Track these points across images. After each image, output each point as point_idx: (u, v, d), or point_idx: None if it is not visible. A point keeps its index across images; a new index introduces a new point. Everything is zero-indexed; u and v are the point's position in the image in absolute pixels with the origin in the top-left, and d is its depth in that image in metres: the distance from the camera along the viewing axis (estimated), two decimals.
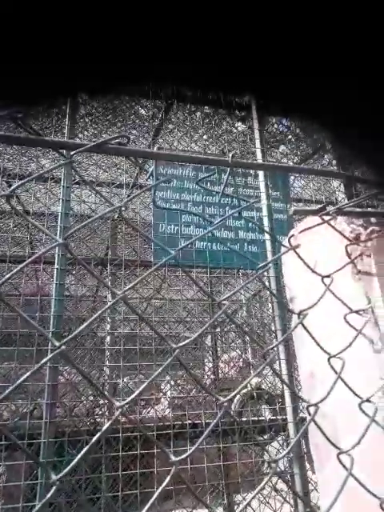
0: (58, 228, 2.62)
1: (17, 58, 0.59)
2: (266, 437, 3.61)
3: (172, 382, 5.15)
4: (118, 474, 2.59)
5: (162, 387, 6.11)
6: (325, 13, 0.59)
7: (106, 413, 4.12)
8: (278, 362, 3.04)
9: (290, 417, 2.72)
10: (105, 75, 0.67)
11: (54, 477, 0.72)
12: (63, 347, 0.78)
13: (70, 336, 0.72)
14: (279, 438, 3.85)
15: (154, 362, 3.08)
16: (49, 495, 0.69)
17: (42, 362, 0.73)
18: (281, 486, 3.69)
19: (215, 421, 0.87)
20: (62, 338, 3.81)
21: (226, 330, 5.92)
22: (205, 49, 0.63)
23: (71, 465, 0.70)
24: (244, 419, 3.62)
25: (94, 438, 0.71)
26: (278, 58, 0.65)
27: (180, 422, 3.18)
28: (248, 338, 5.81)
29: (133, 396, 0.82)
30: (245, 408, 4.41)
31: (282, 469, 3.33)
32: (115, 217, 4.12)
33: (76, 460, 0.69)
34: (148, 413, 4.53)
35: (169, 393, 5.39)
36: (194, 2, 0.58)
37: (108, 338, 4.50)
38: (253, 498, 0.78)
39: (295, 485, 2.72)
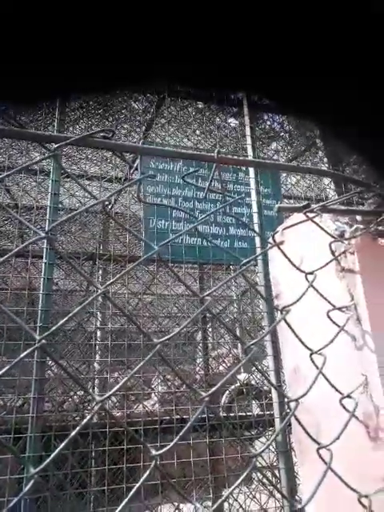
0: (47, 221, 2.60)
1: (15, 58, 0.59)
2: (253, 432, 3.64)
3: (162, 377, 5.15)
4: (105, 468, 2.59)
5: (152, 382, 6.12)
6: (323, 13, 0.59)
7: (95, 407, 4.11)
8: (267, 357, 3.06)
9: (276, 412, 2.75)
10: (104, 75, 0.67)
11: (32, 470, 0.73)
12: (43, 341, 0.78)
13: (49, 331, 0.72)
14: (267, 434, 3.88)
15: (142, 357, 3.08)
16: (26, 489, 0.69)
17: (21, 356, 0.73)
18: (272, 479, 3.73)
19: (196, 415, 0.87)
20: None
21: (216, 326, 5.93)
22: (205, 49, 0.63)
23: (49, 459, 0.70)
24: (232, 414, 3.65)
25: (72, 434, 0.72)
26: (278, 58, 0.65)
27: (168, 417, 3.19)
28: (238, 333, 5.83)
29: (113, 390, 0.83)
30: (233, 403, 4.44)
31: (268, 463, 3.36)
32: (102, 211, 4.09)
33: (54, 454, 0.69)
34: (136, 408, 4.54)
35: (159, 388, 5.41)
36: (195, 3, 0.57)
37: (99, 333, 4.49)
38: (232, 489, 0.79)
39: (281, 479, 2.75)
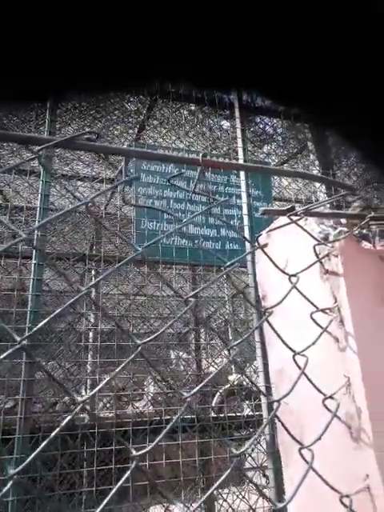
0: (36, 222, 2.60)
1: (11, 58, 0.59)
2: (244, 433, 3.66)
3: (153, 378, 5.16)
4: (93, 469, 2.59)
5: (144, 383, 6.13)
6: (323, 13, 0.59)
7: (87, 408, 4.11)
8: (258, 358, 3.08)
9: (265, 413, 2.76)
10: (103, 75, 0.67)
11: (11, 471, 0.73)
12: (24, 342, 0.78)
13: (30, 332, 0.72)
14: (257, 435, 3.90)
15: (132, 358, 3.08)
16: (5, 489, 0.70)
17: (0, 357, 0.73)
18: (262, 480, 3.75)
19: (178, 416, 0.88)
20: (41, 333, 3.79)
21: (208, 327, 5.94)
22: (204, 49, 0.63)
23: (28, 460, 0.71)
24: (221, 415, 3.66)
25: (52, 435, 0.72)
26: (278, 58, 0.65)
27: (158, 418, 3.20)
28: (230, 334, 5.85)
29: (94, 391, 0.83)
30: (224, 404, 4.45)
31: (258, 464, 3.37)
32: (100, 212, 4.10)
33: (33, 455, 0.70)
34: (127, 408, 4.54)
35: (151, 389, 5.42)
36: (196, 5, 0.58)
37: (91, 334, 4.48)
38: (213, 489, 0.80)
39: (270, 480, 2.76)
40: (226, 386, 4.72)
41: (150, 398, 4.88)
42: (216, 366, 5.04)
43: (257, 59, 0.67)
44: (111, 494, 0.76)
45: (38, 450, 0.69)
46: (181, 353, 5.66)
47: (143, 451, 0.84)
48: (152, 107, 3.95)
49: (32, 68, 0.63)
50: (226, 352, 5.13)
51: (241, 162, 3.09)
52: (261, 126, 4.57)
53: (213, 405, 4.61)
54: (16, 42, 0.59)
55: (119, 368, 0.77)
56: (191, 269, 3.96)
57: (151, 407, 4.64)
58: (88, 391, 4.13)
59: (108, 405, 4.44)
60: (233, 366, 4.98)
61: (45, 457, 2.49)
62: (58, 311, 0.66)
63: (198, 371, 4.66)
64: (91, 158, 4.07)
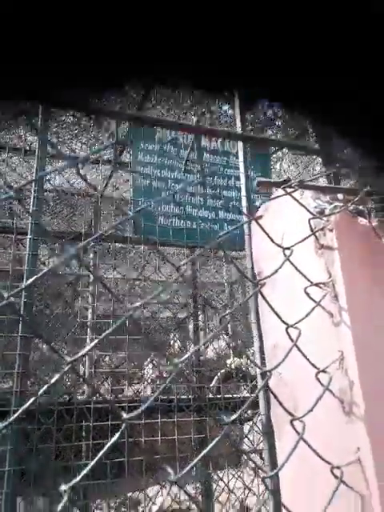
0: (32, 198, 2.59)
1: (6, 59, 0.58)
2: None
3: (153, 362, 5.21)
4: (89, 442, 2.63)
5: (143, 366, 6.21)
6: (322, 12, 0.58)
7: (84, 387, 4.16)
8: (254, 338, 3.08)
9: (261, 393, 2.77)
10: (105, 74, 0.67)
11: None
12: (12, 299, 0.77)
13: (17, 289, 0.72)
14: (255, 416, 3.94)
15: (128, 338, 3.11)
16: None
17: None
18: (259, 462, 3.81)
19: (170, 377, 0.88)
20: (40, 314, 3.81)
21: (209, 314, 5.97)
22: (204, 49, 0.63)
23: (16, 414, 0.71)
24: (218, 396, 3.71)
25: (25, 406, 0.71)
26: (276, 58, 0.65)
27: (155, 397, 3.23)
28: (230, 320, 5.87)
29: (84, 351, 0.83)
30: (223, 385, 4.49)
31: (254, 446, 3.42)
32: (95, 192, 4.08)
33: (20, 411, 0.70)
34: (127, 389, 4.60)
35: (150, 371, 5.49)
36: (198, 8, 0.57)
37: (89, 315, 4.50)
38: (194, 463, 0.80)
39: (265, 458, 2.79)
40: (222, 370, 4.77)
41: (148, 379, 4.93)
42: (214, 349, 5.07)
43: (257, 60, 0.66)
44: (93, 461, 0.76)
45: (26, 406, 0.69)
46: (176, 336, 5.70)
47: (133, 413, 0.84)
48: (149, 91, 3.89)
49: (26, 68, 0.63)
50: (225, 336, 5.16)
51: (240, 144, 3.05)
52: (261, 108, 4.52)
53: (211, 386, 4.66)
54: (9, 42, 0.58)
55: (106, 333, 0.76)
56: (190, 250, 3.96)
57: (149, 389, 4.70)
58: (86, 370, 4.16)
59: (106, 384, 4.49)
60: (231, 351, 5.02)
61: (43, 431, 2.52)
62: (50, 266, 0.66)
63: (196, 354, 4.69)
64: (90, 137, 4.03)
